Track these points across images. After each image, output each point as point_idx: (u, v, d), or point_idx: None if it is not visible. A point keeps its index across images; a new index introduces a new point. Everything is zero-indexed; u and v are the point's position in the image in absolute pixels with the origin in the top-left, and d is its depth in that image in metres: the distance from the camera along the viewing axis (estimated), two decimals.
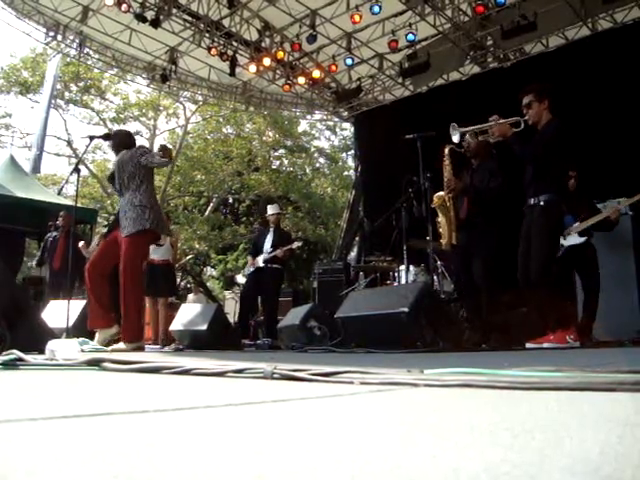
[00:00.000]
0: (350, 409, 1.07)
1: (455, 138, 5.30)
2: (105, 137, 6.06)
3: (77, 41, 11.80)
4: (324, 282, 10.58)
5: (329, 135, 28.63)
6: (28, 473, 0.53)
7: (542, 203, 4.79)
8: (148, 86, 14.67)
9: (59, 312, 5.90)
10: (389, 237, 7.42)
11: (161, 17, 10.10)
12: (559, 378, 1.32)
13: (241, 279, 9.92)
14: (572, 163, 5.97)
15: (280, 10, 10.47)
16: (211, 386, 1.57)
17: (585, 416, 0.89)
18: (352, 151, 19.32)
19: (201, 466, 0.56)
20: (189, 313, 6.56)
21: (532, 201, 4.89)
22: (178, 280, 10.46)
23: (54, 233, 9.39)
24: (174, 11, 10.35)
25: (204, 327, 5.97)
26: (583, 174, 6.07)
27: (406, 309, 4.37)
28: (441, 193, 5.73)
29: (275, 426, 0.85)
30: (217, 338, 5.90)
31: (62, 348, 2.42)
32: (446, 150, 5.68)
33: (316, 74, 11.89)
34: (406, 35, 10.02)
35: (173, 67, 11.87)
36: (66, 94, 22.99)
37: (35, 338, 3.05)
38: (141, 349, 5.27)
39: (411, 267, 7.04)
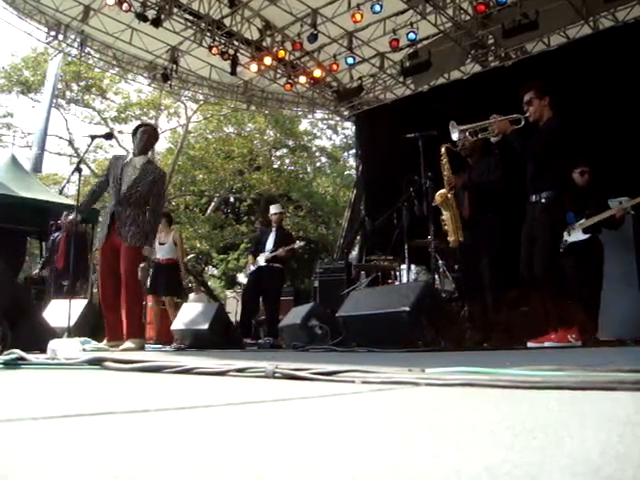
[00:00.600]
0: (351, 408, 1.07)
1: (454, 136, 5.30)
2: (107, 136, 6.07)
3: (78, 40, 11.79)
4: (325, 281, 10.58)
5: (330, 134, 28.62)
6: (29, 472, 0.53)
7: (543, 200, 4.79)
8: (149, 85, 14.67)
9: (61, 311, 5.90)
10: (390, 236, 7.42)
11: (162, 16, 10.09)
12: (560, 377, 1.31)
13: (242, 278, 9.93)
14: (581, 159, 5.97)
15: (281, 9, 10.46)
16: (212, 385, 1.57)
17: (586, 415, 0.89)
18: (353, 150, 19.28)
19: (202, 466, 0.56)
20: (190, 312, 6.56)
21: (533, 198, 4.89)
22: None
23: (57, 233, 9.39)
24: (175, 10, 10.34)
25: (205, 326, 5.97)
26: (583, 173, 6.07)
27: (407, 308, 4.36)
28: (443, 190, 5.73)
29: (276, 425, 0.85)
30: (218, 337, 5.90)
31: (63, 347, 2.42)
32: (442, 149, 5.68)
33: (317, 73, 11.88)
34: (407, 34, 10.00)
35: (174, 66, 11.86)
36: (67, 93, 23.00)
37: (37, 337, 3.06)
38: (142, 348, 5.32)
39: (412, 266, 7.04)
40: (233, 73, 11.23)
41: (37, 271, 10.10)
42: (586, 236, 5.89)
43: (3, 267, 3.56)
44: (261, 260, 8.05)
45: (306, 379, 1.54)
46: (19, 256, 12.08)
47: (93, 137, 6.18)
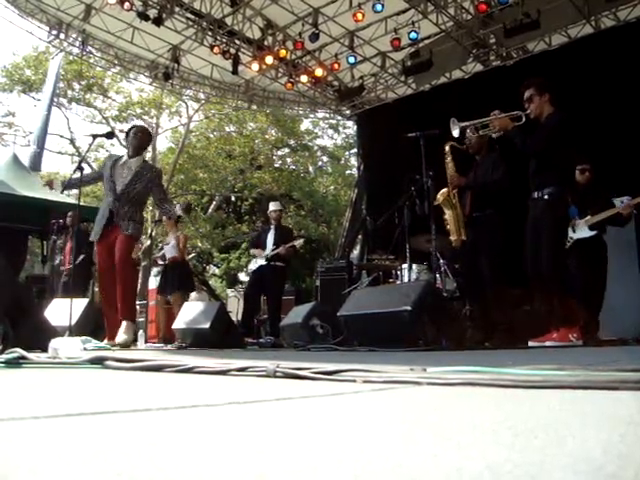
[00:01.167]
0: (353, 408, 1.07)
1: (455, 133, 5.30)
2: (108, 135, 6.09)
3: (80, 39, 11.80)
4: (326, 280, 10.57)
5: (332, 133, 28.62)
6: (31, 471, 0.53)
7: (546, 196, 4.79)
8: (151, 84, 14.66)
9: (62, 310, 5.91)
10: (392, 235, 7.42)
11: (163, 15, 10.10)
12: (562, 377, 1.31)
13: (244, 277, 9.95)
14: (582, 156, 5.96)
15: (283, 8, 10.47)
16: (214, 384, 1.57)
17: (587, 415, 0.89)
18: (355, 149, 19.29)
19: (203, 465, 0.56)
20: (192, 311, 6.56)
21: (536, 194, 4.89)
22: None
23: (60, 232, 9.40)
24: (177, 9, 10.36)
25: (207, 325, 5.97)
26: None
27: (409, 307, 4.36)
28: (444, 190, 5.73)
29: (277, 425, 0.85)
30: (220, 336, 5.90)
31: (65, 346, 2.42)
32: (447, 147, 5.68)
33: (319, 72, 11.88)
34: (409, 33, 10.00)
35: (176, 65, 11.86)
36: (69, 92, 23.00)
37: (38, 336, 3.06)
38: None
39: (414, 265, 7.03)
40: (234, 72, 11.23)
41: (47, 266, 10.12)
42: (592, 233, 5.86)
43: (4, 266, 3.56)
44: (262, 259, 8.05)
45: (307, 378, 1.54)
46: (20, 255, 12.08)
47: (94, 136, 6.19)
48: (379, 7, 9.46)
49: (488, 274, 5.43)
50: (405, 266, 7.00)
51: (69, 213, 9.22)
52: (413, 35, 9.98)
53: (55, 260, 9.41)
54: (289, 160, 27.30)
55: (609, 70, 8.64)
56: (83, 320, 6.32)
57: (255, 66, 11.47)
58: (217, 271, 26.79)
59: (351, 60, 11.35)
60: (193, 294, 13.54)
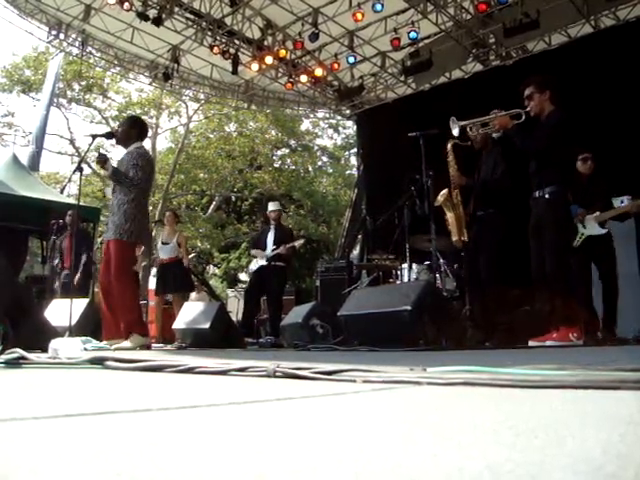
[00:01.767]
0: (353, 408, 1.07)
1: (455, 132, 5.30)
2: (108, 136, 6.07)
3: (79, 40, 11.80)
4: (326, 280, 10.58)
5: (332, 133, 28.65)
6: (31, 471, 0.53)
7: (547, 195, 4.78)
8: (150, 84, 14.67)
9: (62, 311, 5.91)
10: (392, 235, 7.42)
11: (163, 15, 10.10)
12: (562, 376, 1.31)
13: (244, 277, 9.95)
14: (580, 147, 5.93)
15: (282, 8, 10.47)
16: (214, 385, 1.57)
17: (588, 414, 0.89)
18: (355, 149, 19.31)
19: (203, 465, 0.56)
20: (192, 311, 6.56)
21: (537, 193, 4.88)
22: None
23: (59, 233, 9.40)
24: (176, 9, 10.36)
25: (207, 326, 5.97)
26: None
27: (409, 307, 4.36)
28: (445, 191, 5.72)
29: (277, 425, 0.85)
30: (220, 337, 5.90)
31: (65, 347, 2.42)
32: (449, 146, 5.67)
33: (318, 72, 11.88)
34: (408, 33, 10.00)
35: (175, 65, 11.86)
36: (68, 93, 23.00)
37: (38, 337, 3.06)
38: (147, 347, 5.28)
39: (414, 265, 7.03)
40: (234, 72, 11.23)
41: (45, 266, 10.09)
42: (604, 231, 5.84)
43: (4, 266, 3.56)
44: (262, 259, 8.05)
45: (307, 378, 1.54)
46: (20, 255, 12.09)
47: (94, 136, 6.18)
48: (379, 7, 9.46)
49: (489, 273, 5.43)
50: (405, 266, 6.99)
51: (69, 212, 9.22)
52: (413, 35, 9.98)
53: (54, 260, 9.41)
54: (289, 160, 27.31)
55: (609, 70, 8.64)
56: (83, 320, 6.33)
57: (255, 66, 11.46)
58: (217, 271, 26.80)
59: (351, 60, 11.36)
60: (193, 294, 13.54)
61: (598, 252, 5.86)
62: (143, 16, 9.87)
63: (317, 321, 5.94)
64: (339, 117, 15.55)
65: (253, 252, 8.54)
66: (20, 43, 59.77)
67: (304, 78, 12.14)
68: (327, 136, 29.17)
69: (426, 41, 10.77)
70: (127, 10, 9.86)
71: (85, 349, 3.35)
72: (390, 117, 11.74)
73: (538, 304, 5.56)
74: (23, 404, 1.14)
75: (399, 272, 7.49)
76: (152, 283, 11.96)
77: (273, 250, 7.97)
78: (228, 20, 10.76)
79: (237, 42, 11.20)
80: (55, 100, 17.95)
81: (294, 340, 5.95)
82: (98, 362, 2.10)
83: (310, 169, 27.68)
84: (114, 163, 5.62)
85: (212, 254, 25.61)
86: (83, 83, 22.87)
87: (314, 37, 10.42)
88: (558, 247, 4.77)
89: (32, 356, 2.22)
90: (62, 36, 11.67)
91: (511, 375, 1.37)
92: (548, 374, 1.39)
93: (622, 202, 6.05)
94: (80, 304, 6.50)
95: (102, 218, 13.21)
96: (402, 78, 12.24)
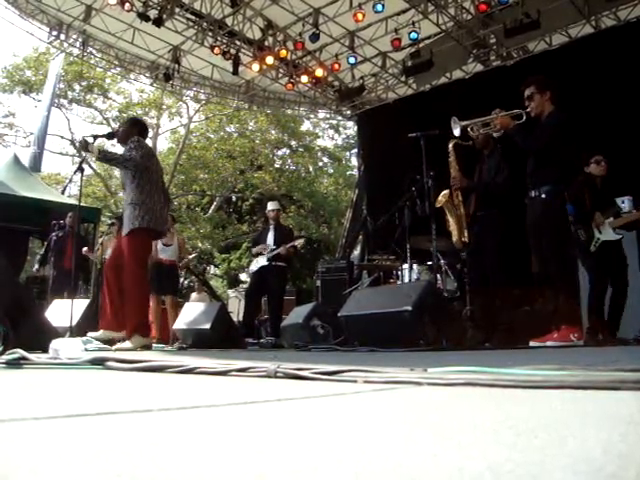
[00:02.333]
0: (353, 408, 1.07)
1: (456, 132, 5.30)
2: (108, 136, 6.07)
3: (80, 40, 11.83)
4: (327, 281, 10.58)
5: (332, 134, 28.66)
6: (31, 471, 0.53)
7: (543, 195, 4.78)
8: (151, 85, 14.70)
9: (63, 311, 5.91)
10: (392, 236, 7.42)
11: (164, 16, 10.11)
12: (562, 377, 1.31)
13: (245, 277, 9.95)
14: (593, 150, 5.91)
15: (283, 9, 10.48)
16: (214, 385, 1.57)
17: (588, 415, 0.89)
18: (355, 150, 19.33)
19: (204, 465, 0.56)
20: (192, 312, 6.56)
21: (533, 193, 4.88)
22: (182, 279, 10.47)
23: (60, 233, 9.40)
24: (177, 10, 10.37)
25: (207, 326, 5.97)
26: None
27: (409, 308, 4.36)
28: (446, 192, 5.72)
29: (278, 425, 0.85)
30: (220, 337, 5.90)
31: (66, 347, 2.42)
32: (450, 146, 5.66)
33: (319, 73, 11.89)
34: (409, 33, 10.02)
35: (176, 66, 11.88)
36: (69, 93, 23.03)
37: (38, 337, 3.06)
38: (148, 348, 5.25)
39: (414, 266, 7.03)
40: (235, 73, 11.24)
41: (36, 266, 10.08)
42: (619, 236, 5.83)
43: (4, 266, 3.56)
44: (263, 259, 8.04)
45: (308, 379, 1.54)
46: (20, 255, 12.10)
47: (95, 137, 6.18)
48: (379, 7, 9.47)
49: (497, 276, 5.42)
50: (406, 266, 7.00)
51: (69, 214, 9.22)
52: (413, 35, 9.99)
53: (50, 261, 9.41)
54: (290, 160, 27.33)
55: (609, 70, 8.64)
56: (84, 321, 6.33)
57: (255, 66, 11.48)
58: (218, 271, 26.81)
59: (351, 60, 11.37)
60: (194, 294, 13.55)
61: (611, 257, 5.84)
62: (144, 17, 9.88)
63: (318, 321, 5.94)
64: (340, 117, 15.56)
65: (255, 250, 8.51)
66: (21, 44, 59.90)
67: (305, 78, 12.14)
68: (328, 136, 29.22)
69: (427, 41, 10.78)
70: (128, 11, 9.88)
71: (86, 349, 3.35)
72: (391, 117, 11.74)
73: (539, 304, 5.57)
74: (23, 404, 1.14)
75: (400, 272, 7.50)
76: None
77: (273, 250, 7.96)
78: (229, 20, 10.77)
79: (238, 42, 11.21)
80: (56, 101, 17.97)
81: (295, 340, 5.95)
82: (99, 362, 2.10)
83: (311, 169, 27.70)
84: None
85: (213, 254, 25.61)
86: (84, 84, 22.91)
87: (315, 37, 10.43)
88: (558, 247, 4.77)
89: (33, 356, 2.22)
90: (63, 37, 11.70)
91: (512, 375, 1.37)
92: (548, 374, 1.39)
93: (623, 202, 6.05)
94: (81, 304, 6.50)
95: (103, 219, 13.22)
96: (403, 78, 12.24)
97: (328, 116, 16.15)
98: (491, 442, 0.67)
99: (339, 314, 5.22)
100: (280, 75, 12.56)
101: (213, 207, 25.23)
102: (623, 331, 5.72)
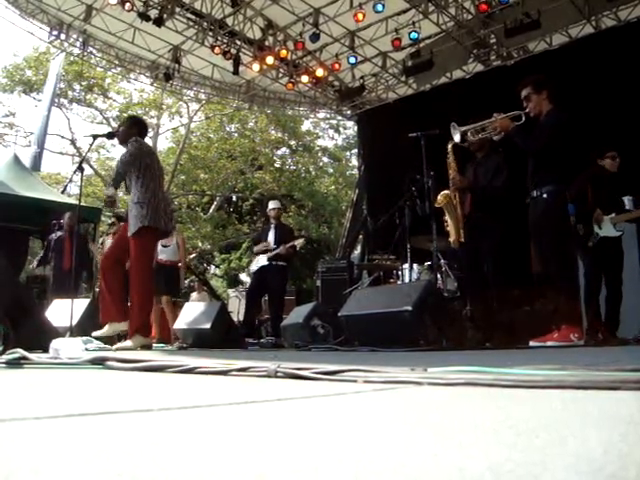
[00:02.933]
0: (354, 408, 1.07)
1: (456, 138, 5.29)
2: (109, 136, 6.06)
3: (80, 40, 11.83)
4: (327, 281, 10.58)
5: (332, 134, 28.66)
6: (32, 471, 0.53)
7: (545, 195, 4.77)
8: (151, 85, 14.70)
9: (63, 311, 5.91)
10: (392, 235, 7.42)
11: (164, 16, 10.11)
12: (563, 377, 1.31)
13: (245, 277, 9.95)
14: (605, 146, 5.89)
15: (283, 9, 10.48)
16: (215, 385, 1.57)
17: (589, 415, 0.89)
18: (355, 150, 19.34)
19: (204, 464, 0.56)
20: (193, 312, 6.56)
21: (535, 193, 4.87)
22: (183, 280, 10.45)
23: (59, 233, 9.39)
24: (177, 10, 10.37)
25: (208, 326, 5.97)
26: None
27: (410, 308, 4.36)
28: (446, 192, 5.71)
29: (278, 425, 0.85)
30: (220, 337, 5.90)
31: (66, 347, 2.42)
32: (449, 146, 5.65)
33: (319, 72, 11.90)
34: (409, 33, 10.02)
35: (176, 66, 11.88)
36: (69, 93, 23.03)
37: (39, 337, 3.06)
38: (148, 347, 5.25)
39: (414, 265, 7.03)
40: (235, 72, 11.24)
41: (34, 264, 10.07)
42: (619, 233, 5.82)
43: (5, 266, 3.57)
44: (263, 259, 8.03)
45: (308, 378, 1.54)
46: (21, 255, 12.09)
47: (95, 136, 6.18)
48: (380, 7, 9.47)
49: (489, 274, 5.42)
50: (406, 266, 7.00)
51: (67, 214, 9.22)
52: (414, 35, 10.00)
53: (50, 261, 9.40)
54: (290, 160, 27.33)
55: (610, 70, 8.64)
56: (84, 320, 6.32)
57: (256, 66, 11.48)
58: (218, 271, 26.81)
59: (352, 60, 11.37)
60: (194, 294, 13.55)
61: (608, 254, 5.84)
62: (144, 16, 9.88)
63: (318, 321, 5.94)
64: (340, 117, 15.56)
65: (256, 249, 8.48)
66: (21, 43, 59.91)
67: (305, 78, 12.15)
68: (328, 136, 29.22)
69: (427, 41, 10.79)
70: (128, 10, 9.88)
71: (86, 349, 3.35)
72: (391, 117, 11.74)
73: (539, 304, 5.57)
74: (24, 404, 1.14)
75: (400, 272, 7.50)
76: None
77: (273, 250, 7.96)
78: (229, 20, 10.78)
79: (238, 42, 11.21)
80: (56, 100, 17.97)
81: (295, 340, 5.95)
82: (99, 362, 2.10)
83: (311, 169, 27.70)
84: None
85: (213, 254, 25.61)
86: (84, 83, 22.91)
87: (315, 37, 10.43)
88: (558, 247, 4.77)
89: (33, 356, 2.22)
90: (63, 36, 11.70)
91: (512, 375, 1.37)
92: (549, 374, 1.39)
93: (623, 202, 6.04)
94: (81, 304, 6.50)
95: (103, 218, 13.21)
96: (403, 78, 12.24)
97: (328, 116, 16.17)
98: (492, 442, 0.67)
99: (339, 314, 5.22)
100: (280, 75, 12.56)
101: (213, 207, 25.22)
102: (623, 331, 5.71)
